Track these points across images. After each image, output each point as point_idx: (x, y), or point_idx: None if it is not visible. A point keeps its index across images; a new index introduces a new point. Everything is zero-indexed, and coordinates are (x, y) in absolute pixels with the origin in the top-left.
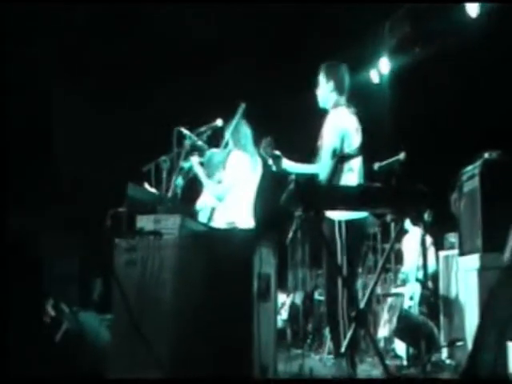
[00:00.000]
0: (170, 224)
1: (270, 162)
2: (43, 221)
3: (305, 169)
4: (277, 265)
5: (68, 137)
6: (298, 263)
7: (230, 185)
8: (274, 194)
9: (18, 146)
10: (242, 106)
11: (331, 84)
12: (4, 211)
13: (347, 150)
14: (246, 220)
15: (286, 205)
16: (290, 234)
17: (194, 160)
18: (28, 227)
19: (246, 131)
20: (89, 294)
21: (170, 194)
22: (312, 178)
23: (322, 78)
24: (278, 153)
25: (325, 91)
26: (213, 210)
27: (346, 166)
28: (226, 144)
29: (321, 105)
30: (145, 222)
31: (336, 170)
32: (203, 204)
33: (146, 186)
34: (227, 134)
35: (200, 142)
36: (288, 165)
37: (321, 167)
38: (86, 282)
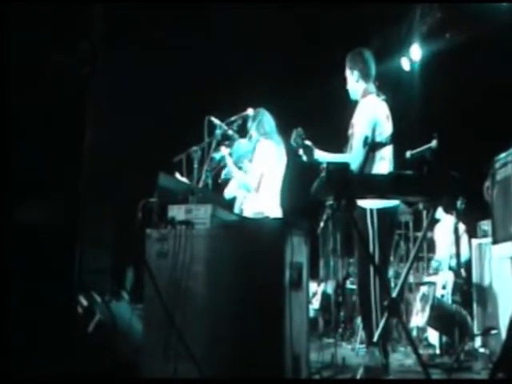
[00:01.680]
0: (202, 214)
1: (301, 152)
2: (77, 211)
3: (336, 158)
4: (308, 254)
5: (98, 127)
6: (330, 252)
7: (258, 174)
8: (303, 183)
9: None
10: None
11: (356, 73)
12: (39, 201)
13: (378, 138)
14: (273, 209)
15: (318, 194)
16: (322, 223)
17: (225, 151)
18: (61, 217)
19: (270, 120)
20: (121, 285)
21: (201, 184)
22: (344, 166)
23: (347, 70)
24: (309, 143)
25: (352, 82)
26: (242, 199)
27: (378, 154)
28: (251, 136)
29: (352, 97)
30: (176, 211)
31: (367, 159)
32: (232, 194)
33: (178, 176)
34: (251, 126)
35: (231, 132)
36: (319, 155)
37: (352, 156)
38: (119, 273)
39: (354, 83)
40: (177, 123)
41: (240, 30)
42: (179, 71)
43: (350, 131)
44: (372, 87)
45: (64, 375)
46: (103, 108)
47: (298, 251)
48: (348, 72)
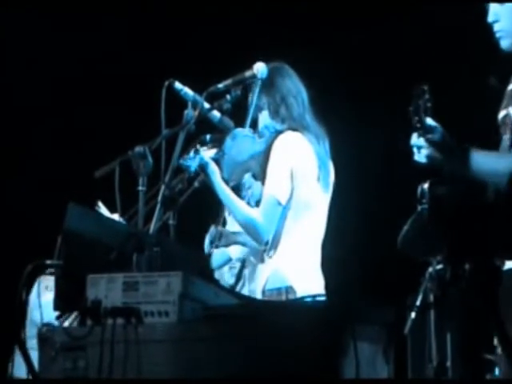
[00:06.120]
0: (160, 293)
1: (429, 151)
2: None
3: None
4: (391, 374)
5: None
6: (433, 374)
7: (277, 208)
8: (376, 226)
9: None
10: None
11: None
12: None
13: None
14: (311, 282)
15: (410, 248)
16: (413, 313)
17: (207, 153)
18: None
19: (299, 90)
20: None
21: (153, 226)
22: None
23: None
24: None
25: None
26: (244, 261)
27: None
28: (255, 121)
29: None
30: (104, 288)
31: None
32: (225, 255)
33: (102, 208)
34: (262, 101)
35: (216, 114)
36: (479, 159)
37: None
38: None
39: None
40: (104, 96)
41: None
42: None
43: None
44: None
45: None
46: None
47: (368, 369)
48: None
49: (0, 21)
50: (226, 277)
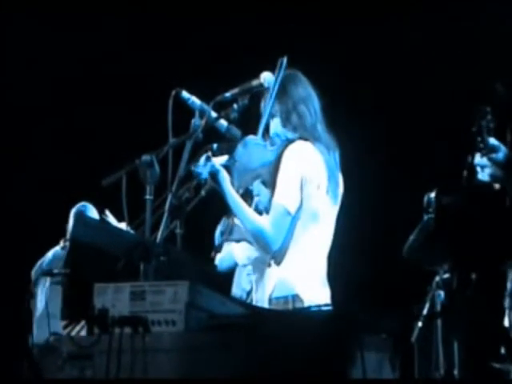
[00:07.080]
0: (167, 302)
1: (491, 170)
2: None
3: None
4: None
5: None
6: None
7: (286, 218)
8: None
9: None
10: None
11: None
12: None
13: None
14: (317, 291)
15: (416, 256)
16: (420, 323)
17: (217, 161)
18: None
19: (311, 98)
20: None
21: (160, 235)
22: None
23: None
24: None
25: None
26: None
27: None
28: (266, 129)
29: None
30: (111, 298)
31: None
32: (233, 258)
33: (109, 216)
34: (273, 110)
35: (223, 122)
36: None
37: None
38: None
39: None
40: (112, 104)
41: None
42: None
43: None
44: None
45: None
46: None
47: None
48: None
49: (0, 21)
50: (243, 284)
